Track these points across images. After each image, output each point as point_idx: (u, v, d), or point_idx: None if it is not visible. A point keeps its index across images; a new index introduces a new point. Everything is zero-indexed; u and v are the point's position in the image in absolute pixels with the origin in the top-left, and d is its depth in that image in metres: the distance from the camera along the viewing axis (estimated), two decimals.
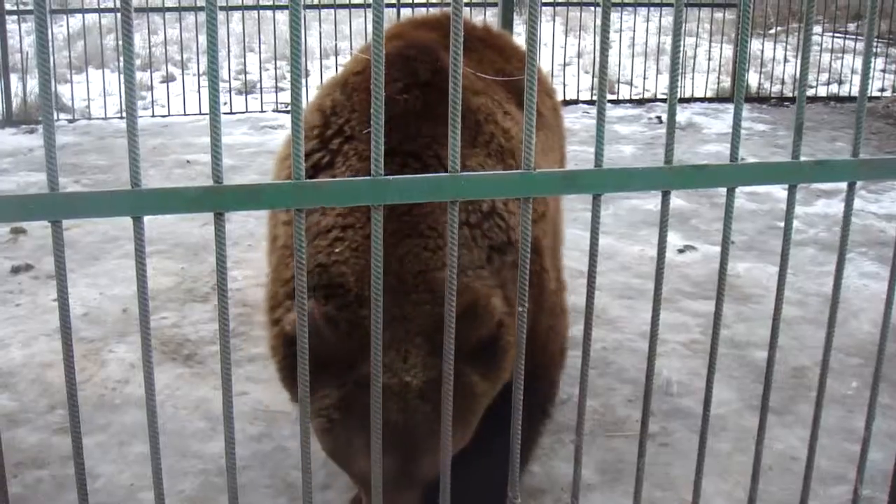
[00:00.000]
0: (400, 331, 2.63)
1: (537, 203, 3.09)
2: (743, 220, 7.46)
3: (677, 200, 7.90)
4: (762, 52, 13.83)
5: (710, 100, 13.06)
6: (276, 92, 13.19)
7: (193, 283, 5.86)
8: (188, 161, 9.17)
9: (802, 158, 2.58)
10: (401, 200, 2.25)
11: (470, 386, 2.68)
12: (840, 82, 14.15)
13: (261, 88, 12.64)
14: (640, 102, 13.09)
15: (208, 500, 3.55)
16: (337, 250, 2.72)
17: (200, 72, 12.61)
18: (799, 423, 4.14)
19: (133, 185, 2.10)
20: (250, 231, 7.05)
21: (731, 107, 13.13)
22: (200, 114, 11.53)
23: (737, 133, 2.48)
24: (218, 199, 2.15)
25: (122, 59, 1.79)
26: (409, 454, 2.63)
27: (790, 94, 13.56)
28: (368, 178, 2.16)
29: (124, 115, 11.20)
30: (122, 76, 1.90)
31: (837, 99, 13.51)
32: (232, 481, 2.35)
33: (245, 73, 12.87)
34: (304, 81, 12.64)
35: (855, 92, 13.50)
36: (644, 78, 13.82)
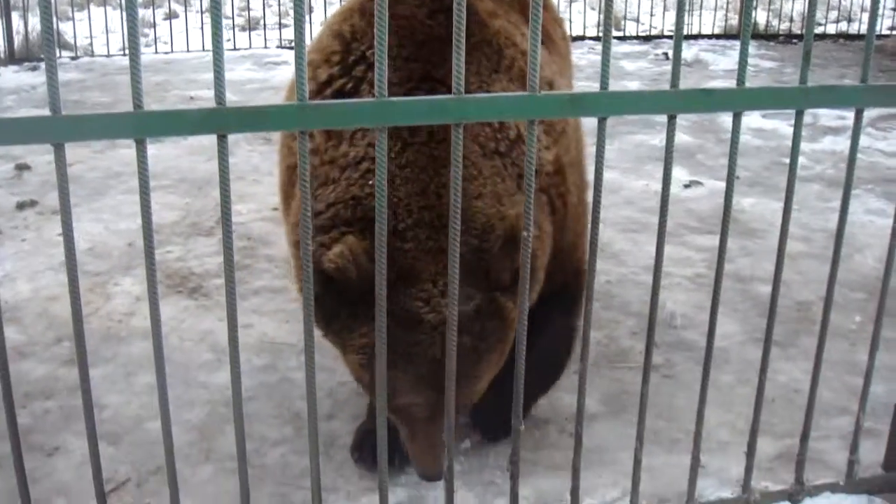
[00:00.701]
0: (438, 264, 2.61)
1: (556, 122, 3.08)
2: (748, 156, 7.41)
3: (683, 136, 7.86)
4: None
5: (718, 36, 12.97)
6: (280, 28, 13.09)
7: (198, 216, 5.86)
8: (191, 97, 9.12)
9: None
10: (405, 122, 2.23)
11: (506, 313, 2.71)
12: (849, 20, 14.03)
13: (264, 24, 12.55)
14: (647, 39, 12.98)
15: (214, 430, 3.57)
16: (370, 182, 2.67)
17: (203, 8, 12.50)
18: (802, 356, 4.15)
19: (135, 108, 2.08)
20: (255, 165, 7.05)
21: (738, 43, 13.12)
22: (203, 50, 11.46)
23: (744, 56, 2.45)
24: (221, 120, 2.13)
25: None
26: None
27: (798, 32, 13.43)
28: (372, 99, 2.14)
29: (127, 50, 11.20)
30: (124, 10, 1.87)
31: (846, 36, 13.40)
32: (238, 412, 2.36)
33: (248, 9, 12.77)
34: (307, 17, 12.56)
35: (864, 29, 13.36)
36: (651, 15, 13.68)
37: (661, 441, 3.55)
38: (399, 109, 2.19)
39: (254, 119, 2.16)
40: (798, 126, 2.62)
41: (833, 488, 3.09)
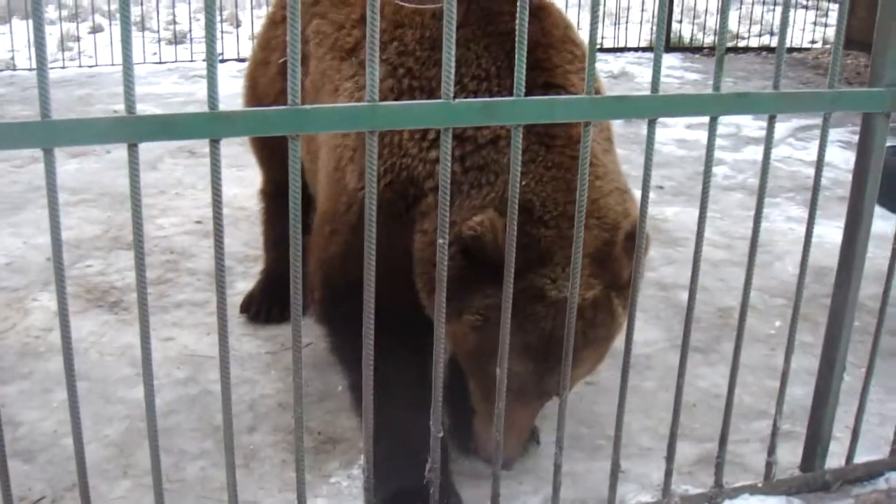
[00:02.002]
0: (569, 250, 2.70)
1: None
2: (672, 167, 7.52)
3: None
4: (695, 2, 13.90)
5: (644, 49, 13.11)
6: (216, 36, 12.94)
7: (119, 230, 5.76)
8: (115, 111, 8.99)
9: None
10: (322, 129, 2.23)
11: (616, 313, 2.88)
12: (772, 33, 14.29)
13: (191, 38, 12.41)
14: None
15: (132, 445, 3.51)
16: (524, 183, 2.83)
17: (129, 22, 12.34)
18: (723, 362, 4.20)
19: (43, 116, 2.05)
20: (178, 179, 6.97)
21: (664, 56, 13.29)
22: None
23: (658, 62, 2.48)
24: (130, 129, 2.11)
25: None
26: (553, 365, 2.74)
27: None
28: (286, 107, 2.14)
29: (50, 65, 11.01)
30: (34, 18, 1.81)
31: (769, 49, 13.63)
32: (152, 427, 2.33)
33: (175, 23, 12.64)
34: (235, 31, 12.49)
35: (787, 43, 13.61)
36: (578, 27, 13.79)
37: (582, 447, 3.57)
38: (314, 117, 2.18)
39: (164, 127, 2.13)
40: (712, 132, 2.66)
41: (752, 490, 3.13)
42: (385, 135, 3.00)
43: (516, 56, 2.28)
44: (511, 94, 2.33)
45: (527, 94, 2.32)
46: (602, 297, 2.83)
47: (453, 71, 2.23)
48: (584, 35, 2.88)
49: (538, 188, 2.83)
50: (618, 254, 2.83)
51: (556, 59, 3.05)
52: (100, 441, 3.53)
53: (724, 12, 2.57)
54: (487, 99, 2.41)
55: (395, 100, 3.03)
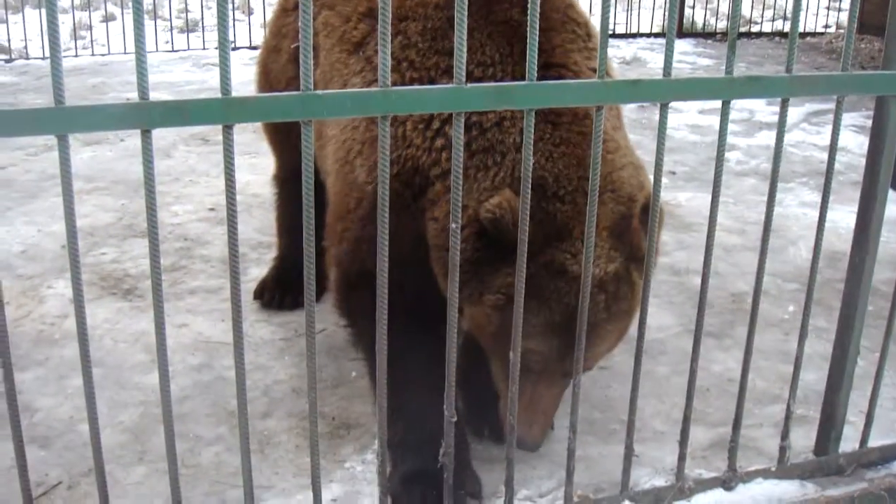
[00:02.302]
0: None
1: None
2: (685, 152, 7.50)
3: None
4: None
5: (656, 35, 13.08)
6: (229, 22, 12.96)
7: (133, 218, 5.79)
8: (128, 99, 9.00)
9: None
10: (332, 115, 2.23)
11: (635, 286, 2.89)
12: (785, 18, 14.23)
13: (203, 26, 12.43)
14: None
15: (147, 430, 3.53)
16: (532, 161, 2.82)
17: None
18: (736, 347, 4.20)
19: (56, 103, 2.05)
20: (191, 166, 6.99)
21: (676, 42, 13.25)
22: None
23: (670, 46, 2.47)
24: (144, 115, 2.11)
25: None
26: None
27: None
28: (297, 92, 2.14)
29: (63, 53, 11.03)
30: (47, 4, 1.83)
31: (782, 34, 13.57)
32: (167, 412, 2.34)
33: (187, 11, 12.65)
34: (247, 18, 12.49)
35: (800, 28, 13.55)
36: (590, 13, 13.76)
37: (596, 432, 3.57)
38: (327, 103, 2.19)
39: (177, 113, 2.13)
40: (725, 116, 2.65)
41: (765, 474, 3.12)
42: (391, 136, 3.02)
43: (528, 41, 2.28)
44: (514, 80, 2.33)
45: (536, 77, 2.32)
46: (623, 270, 2.85)
47: (465, 55, 2.23)
48: (595, 21, 2.88)
49: (549, 165, 2.86)
50: (636, 226, 2.86)
51: (555, 40, 3.07)
52: (115, 427, 3.55)
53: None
54: (500, 83, 2.41)
55: None
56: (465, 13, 2.21)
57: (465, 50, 2.22)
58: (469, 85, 2.27)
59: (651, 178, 2.82)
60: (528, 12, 2.28)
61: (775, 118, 8.58)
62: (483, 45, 3.05)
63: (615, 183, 2.88)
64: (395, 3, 3.29)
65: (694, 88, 2.60)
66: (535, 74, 2.32)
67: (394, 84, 3.07)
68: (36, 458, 3.30)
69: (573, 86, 2.51)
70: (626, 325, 2.98)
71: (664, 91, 2.50)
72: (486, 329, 2.92)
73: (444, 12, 3.18)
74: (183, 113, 2.13)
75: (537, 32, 2.28)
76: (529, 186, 2.43)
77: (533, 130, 2.38)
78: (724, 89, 2.58)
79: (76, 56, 11.34)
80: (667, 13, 2.51)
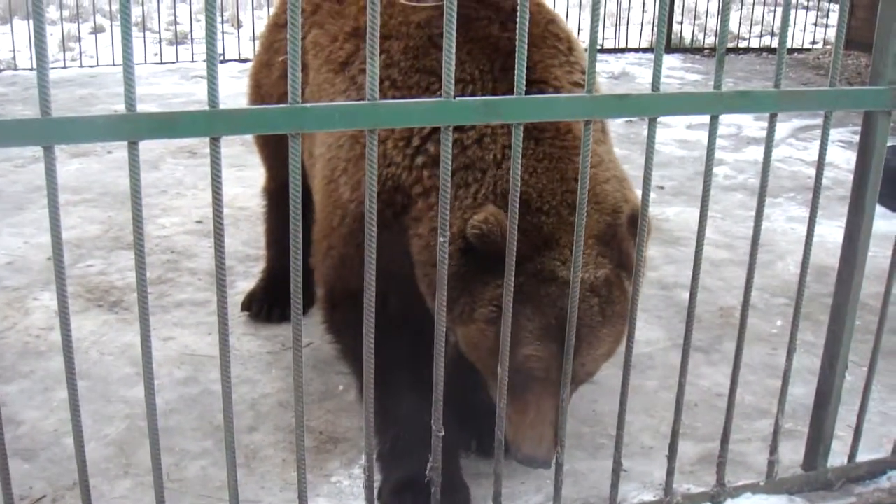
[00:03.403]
0: (573, 235, 2.76)
1: None
2: (673, 167, 7.52)
3: None
4: (696, 3, 13.90)
5: (645, 50, 13.12)
6: (217, 36, 12.95)
7: (120, 230, 5.76)
8: (116, 111, 8.99)
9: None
10: (320, 128, 2.23)
11: (626, 294, 2.90)
12: (773, 34, 14.30)
13: (192, 39, 12.42)
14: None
15: (133, 444, 3.50)
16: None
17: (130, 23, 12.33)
18: (725, 362, 4.20)
19: (43, 114, 2.05)
20: (179, 179, 6.98)
21: (664, 57, 13.29)
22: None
23: (658, 61, 2.48)
24: (131, 126, 2.11)
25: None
26: (576, 345, 2.72)
27: None
28: (286, 105, 2.14)
29: (52, 65, 10.99)
30: (34, 16, 1.81)
31: (770, 50, 13.64)
32: (153, 426, 2.33)
33: (176, 23, 12.65)
34: (236, 32, 12.48)
35: (787, 44, 13.63)
36: (579, 29, 13.81)
37: (584, 446, 3.56)
38: (314, 115, 2.19)
39: (164, 125, 2.13)
40: (713, 131, 2.66)
41: (754, 489, 3.12)
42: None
43: (517, 55, 2.28)
44: (497, 94, 2.34)
45: (507, 94, 2.33)
46: (613, 276, 2.87)
47: (453, 69, 2.23)
48: (584, 36, 2.90)
49: (532, 180, 2.86)
50: (622, 234, 2.88)
51: (535, 57, 3.07)
52: (100, 440, 3.52)
53: (724, 10, 2.57)
54: (488, 97, 2.41)
55: None
56: (454, 25, 2.21)
57: (453, 63, 2.22)
58: (457, 99, 2.27)
59: (637, 191, 2.84)
60: (517, 26, 2.28)
61: (763, 133, 8.64)
62: (463, 63, 3.06)
63: (598, 196, 2.89)
64: (381, 21, 3.29)
65: (682, 103, 2.61)
66: (524, 88, 2.32)
67: None
68: (20, 472, 3.28)
69: (562, 100, 2.52)
70: (621, 329, 2.97)
71: (652, 106, 2.50)
72: (481, 346, 2.91)
73: (424, 31, 3.20)
74: (170, 125, 2.13)
75: (525, 46, 2.28)
76: (518, 200, 2.43)
77: (521, 144, 2.38)
78: (713, 104, 2.59)
79: (65, 68, 11.33)
80: (655, 29, 2.51)
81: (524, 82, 2.32)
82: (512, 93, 2.32)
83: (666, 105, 2.53)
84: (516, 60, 2.30)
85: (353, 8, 3.62)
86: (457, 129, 2.89)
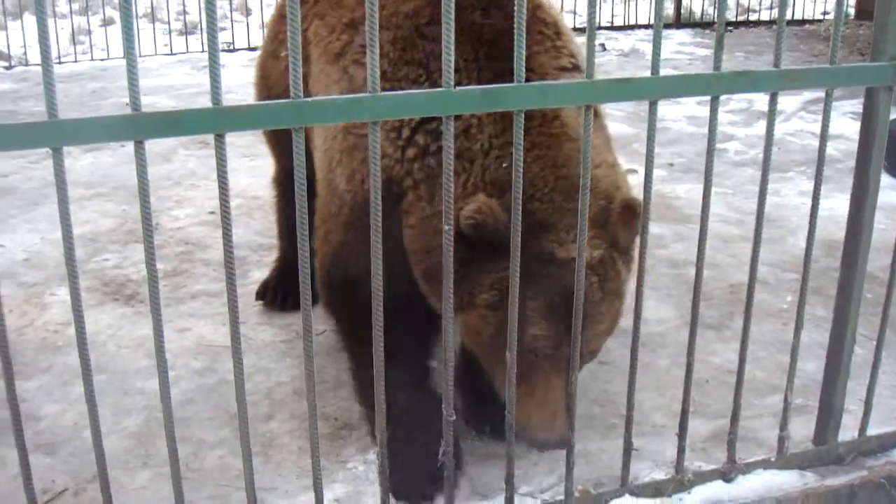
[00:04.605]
0: (571, 218, 2.87)
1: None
2: (683, 143, 7.52)
3: (621, 126, 7.94)
4: None
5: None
6: (218, 32, 12.98)
7: (135, 224, 5.81)
8: (128, 104, 9.01)
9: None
10: (321, 121, 2.26)
11: (620, 274, 3.00)
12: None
13: (201, 28, 12.44)
14: (584, 31, 13.06)
15: (152, 435, 3.56)
16: (504, 164, 2.95)
17: (140, 14, 12.40)
18: (735, 338, 4.19)
19: (50, 116, 2.08)
20: (192, 170, 7.02)
21: (674, 32, 13.17)
22: (141, 56, 11.34)
23: (657, 45, 2.49)
24: (136, 126, 2.15)
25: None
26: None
27: (732, 19, 13.60)
28: (288, 100, 2.17)
29: (62, 59, 11.07)
30: (37, 17, 1.87)
31: None
32: (168, 416, 2.37)
33: (185, 13, 12.68)
34: (245, 19, 12.48)
35: (798, 15, 13.57)
36: (576, 13, 13.77)
37: (596, 426, 3.60)
38: (316, 109, 2.22)
39: (169, 124, 2.17)
40: (714, 112, 2.68)
41: (765, 465, 3.15)
42: (361, 136, 3.09)
43: (515, 43, 2.30)
44: (482, 83, 2.36)
45: (497, 82, 2.34)
46: (608, 255, 2.94)
47: (452, 59, 2.25)
48: (580, 19, 2.91)
49: (523, 169, 2.86)
50: (614, 218, 2.94)
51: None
52: (119, 433, 3.58)
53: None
54: (488, 86, 2.43)
55: None
56: (453, 15, 2.23)
57: (452, 53, 2.25)
58: (457, 88, 2.29)
59: (633, 175, 2.87)
60: (515, 13, 2.30)
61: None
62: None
63: (591, 181, 2.89)
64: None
65: (682, 85, 2.63)
66: (524, 76, 2.34)
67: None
68: (42, 465, 3.34)
69: (562, 86, 2.54)
70: (619, 306, 3.05)
71: (652, 89, 2.52)
72: (483, 333, 2.95)
73: (412, 21, 3.22)
74: (175, 123, 2.17)
75: (524, 35, 2.30)
76: (521, 189, 2.46)
77: (522, 131, 2.40)
78: (712, 85, 2.60)
79: (75, 61, 11.37)
80: (668, 5, 2.53)
81: (523, 69, 2.34)
82: (495, 81, 2.34)
83: (666, 88, 2.55)
84: (515, 48, 2.32)
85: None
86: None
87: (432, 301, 3.09)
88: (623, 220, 2.92)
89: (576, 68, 3.22)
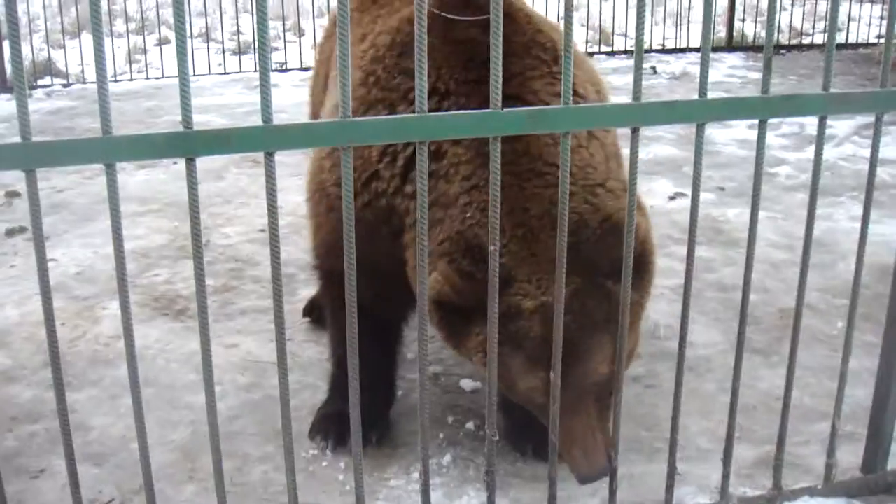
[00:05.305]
0: (531, 266, 2.85)
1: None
2: (734, 167, 7.46)
3: (669, 149, 7.92)
4: (758, 1, 13.75)
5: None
6: (270, 52, 13.14)
7: (186, 240, 5.88)
8: (180, 122, 9.14)
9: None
10: (372, 142, 2.28)
11: (612, 295, 2.85)
12: (838, 30, 14.10)
13: (254, 48, 12.59)
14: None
15: (197, 449, 3.59)
16: (468, 214, 2.92)
17: (195, 34, 12.58)
18: (783, 364, 4.09)
19: (104, 133, 2.13)
20: (242, 188, 7.10)
21: (726, 56, 13.07)
22: (195, 75, 11.50)
23: (705, 67, 2.49)
24: (188, 143, 2.19)
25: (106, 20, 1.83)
26: (564, 364, 2.70)
27: (785, 42, 13.51)
28: (338, 119, 2.19)
29: (118, 77, 11.25)
30: (94, 35, 1.92)
31: (836, 46, 13.44)
32: (214, 430, 2.40)
33: (239, 33, 12.84)
34: (297, 40, 12.61)
35: (852, 38, 13.44)
36: (624, 35, 13.75)
37: (642, 450, 3.58)
38: (364, 129, 2.24)
39: (220, 142, 2.21)
40: (762, 135, 2.67)
41: (811, 492, 3.12)
42: (357, 157, 3.04)
43: (563, 64, 2.31)
44: (469, 108, 2.36)
45: (485, 107, 2.32)
46: (586, 286, 2.84)
47: (500, 81, 2.26)
48: (627, 42, 2.91)
49: (483, 219, 2.84)
50: (589, 247, 2.85)
51: (514, 69, 3.05)
52: (166, 446, 3.62)
53: (770, 16, 2.58)
54: (535, 108, 2.44)
55: (364, 113, 3.08)
56: (500, 37, 2.24)
57: (500, 75, 2.25)
58: (505, 110, 2.30)
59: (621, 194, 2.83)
60: (563, 35, 2.31)
61: (828, 132, 8.55)
62: (440, 68, 3.05)
63: (554, 219, 2.72)
64: (374, 13, 3.34)
65: (729, 109, 2.63)
66: (570, 98, 2.35)
67: (362, 101, 3.12)
68: (90, 476, 3.39)
69: (610, 108, 2.55)
70: (612, 335, 2.87)
71: (699, 112, 2.52)
72: (505, 384, 2.96)
73: (411, 26, 3.20)
74: (225, 141, 2.20)
75: (572, 60, 2.31)
76: (567, 213, 2.46)
77: (569, 152, 2.41)
78: (760, 109, 2.59)
79: (131, 80, 11.55)
80: (719, 28, 2.53)
81: (570, 91, 2.35)
82: (484, 107, 2.33)
83: (712, 111, 2.55)
84: (563, 70, 2.33)
85: (368, 17, 3.67)
86: (433, 157, 2.92)
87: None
88: (605, 239, 2.85)
89: (576, 95, 3.09)
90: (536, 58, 3.14)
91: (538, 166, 2.95)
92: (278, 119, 2.18)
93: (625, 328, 2.67)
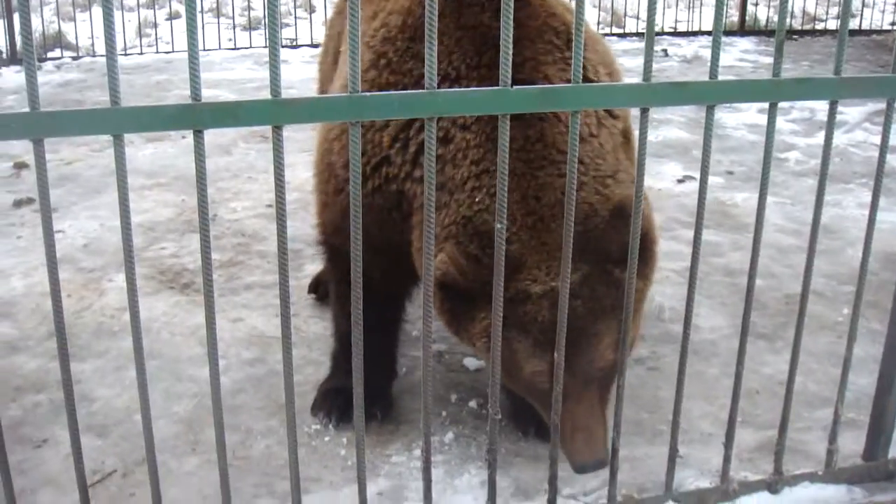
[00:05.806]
0: (541, 254, 2.85)
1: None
2: (743, 152, 7.44)
3: (678, 132, 7.89)
4: None
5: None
6: (280, 27, 13.11)
7: (193, 214, 5.89)
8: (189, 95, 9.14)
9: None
10: (379, 116, 2.27)
11: (620, 282, 2.84)
12: (852, 15, 14.03)
13: (265, 24, 12.54)
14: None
15: (201, 422, 3.60)
16: (477, 199, 2.91)
17: (206, 8, 12.54)
18: (788, 349, 4.10)
19: (112, 104, 2.12)
20: (250, 163, 7.10)
21: (738, 40, 13.05)
22: (205, 50, 11.49)
23: (716, 49, 2.47)
24: (196, 115, 2.18)
25: None
26: (571, 349, 2.73)
27: (798, 28, 13.45)
28: (345, 94, 2.18)
29: (128, 51, 11.24)
30: (103, 5, 1.92)
31: (849, 32, 13.38)
32: (217, 404, 2.41)
33: (249, 8, 12.80)
34: (309, 16, 12.57)
35: (866, 25, 13.38)
36: (636, 17, 13.69)
37: (643, 432, 3.58)
38: (373, 104, 2.23)
39: (228, 114, 2.20)
40: (772, 118, 2.65)
41: (812, 478, 3.11)
42: (367, 141, 3.09)
43: (574, 44, 2.30)
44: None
45: None
46: (595, 274, 2.85)
47: (510, 58, 2.25)
48: (638, 24, 2.89)
49: (492, 204, 2.81)
50: (598, 234, 2.85)
51: (527, 53, 3.04)
52: (169, 418, 3.63)
53: (782, 7, 2.55)
54: (546, 86, 2.43)
55: None
56: (511, 19, 2.23)
57: (510, 51, 2.23)
58: (515, 88, 2.29)
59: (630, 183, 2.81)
60: (574, 19, 2.30)
61: (838, 118, 8.51)
62: (451, 53, 3.04)
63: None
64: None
65: (740, 91, 2.61)
66: (581, 77, 2.33)
67: (373, 83, 3.10)
68: (93, 447, 3.40)
69: (620, 88, 2.55)
70: (619, 321, 2.86)
71: (709, 93, 2.50)
72: (507, 373, 2.93)
73: (422, 9, 3.18)
74: (233, 114, 2.20)
75: (582, 36, 2.30)
76: (575, 188, 2.44)
77: (578, 131, 2.40)
78: (770, 92, 2.57)
79: (141, 53, 11.55)
80: (732, 12, 2.52)
81: (581, 71, 2.33)
82: None
83: (723, 93, 2.53)
84: (573, 49, 2.31)
85: None
86: (440, 142, 2.91)
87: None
88: (615, 227, 2.84)
89: (586, 80, 3.10)
90: (549, 42, 3.12)
91: (551, 154, 2.94)
92: (287, 95, 2.17)
93: (629, 313, 2.66)
